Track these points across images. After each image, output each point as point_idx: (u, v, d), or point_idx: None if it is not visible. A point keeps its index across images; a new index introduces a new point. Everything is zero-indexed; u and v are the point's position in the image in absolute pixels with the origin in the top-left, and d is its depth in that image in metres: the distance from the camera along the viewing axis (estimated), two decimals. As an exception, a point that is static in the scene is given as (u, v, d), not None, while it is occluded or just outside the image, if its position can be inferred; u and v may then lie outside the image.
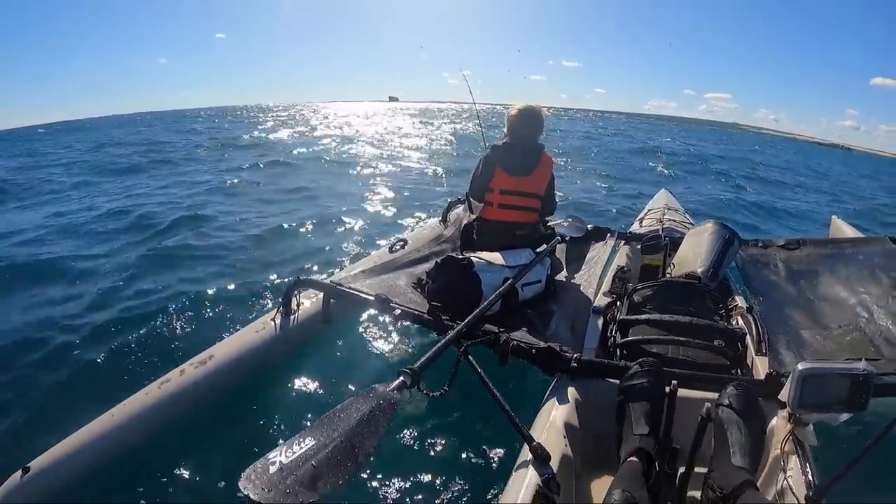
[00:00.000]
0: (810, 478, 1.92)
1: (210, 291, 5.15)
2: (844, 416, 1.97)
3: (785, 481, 1.95)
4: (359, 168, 14.91)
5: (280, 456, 1.51)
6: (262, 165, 14.85)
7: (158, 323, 4.46)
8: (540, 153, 3.96)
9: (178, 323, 4.47)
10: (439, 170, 15.13)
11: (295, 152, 18.48)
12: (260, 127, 31.89)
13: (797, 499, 1.84)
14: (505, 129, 4.04)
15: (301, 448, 1.54)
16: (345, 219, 8.41)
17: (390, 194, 10.77)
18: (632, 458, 1.89)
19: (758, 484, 2.12)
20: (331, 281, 3.40)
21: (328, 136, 25.53)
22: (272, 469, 1.46)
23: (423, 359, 2.21)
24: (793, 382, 1.96)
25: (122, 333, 4.32)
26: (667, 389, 1.95)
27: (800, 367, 1.94)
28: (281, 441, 1.76)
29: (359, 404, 1.80)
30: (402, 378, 2.05)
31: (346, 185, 11.74)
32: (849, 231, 5.95)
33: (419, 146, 22.04)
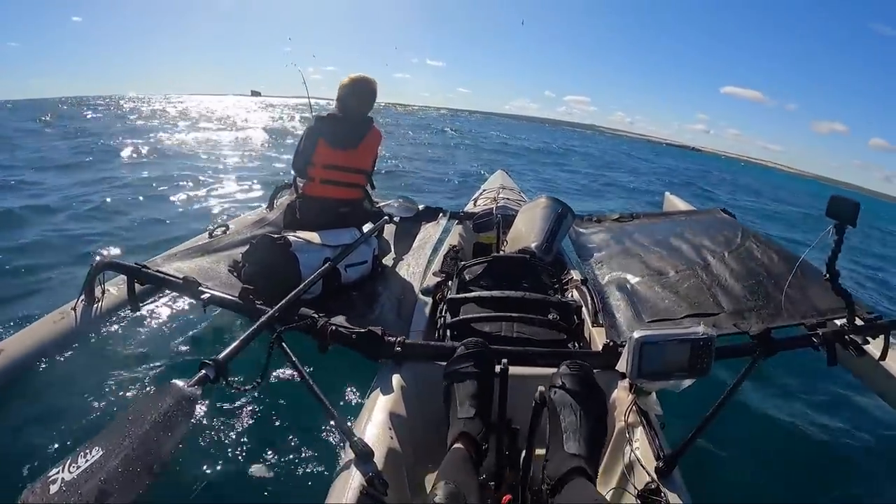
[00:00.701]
0: (658, 448, 1.88)
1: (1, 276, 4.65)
2: (688, 382, 1.95)
3: (633, 454, 1.91)
4: (193, 160, 14.20)
5: (62, 472, 1.30)
6: (98, 154, 13.89)
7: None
8: (369, 125, 3.78)
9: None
10: (277, 162, 14.81)
11: (138, 143, 17.60)
12: (114, 118, 30.40)
13: (647, 471, 1.80)
14: (335, 100, 3.81)
15: (87, 461, 1.33)
16: (173, 207, 8.08)
17: (225, 186, 10.42)
18: (456, 446, 1.78)
19: (604, 458, 2.08)
20: (136, 263, 3.07)
21: (179, 130, 24.65)
22: (53, 488, 1.25)
23: (229, 348, 1.97)
24: (630, 352, 1.90)
25: None
26: (497, 369, 1.83)
27: (636, 335, 1.89)
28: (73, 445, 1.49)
29: (154, 404, 1.57)
30: (203, 372, 1.81)
31: (180, 176, 11.07)
32: (681, 205, 6.20)
33: (263, 140, 21.36)
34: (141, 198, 8.41)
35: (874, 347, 2.71)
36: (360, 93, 3.72)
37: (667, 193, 6.98)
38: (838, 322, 2.68)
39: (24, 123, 21.86)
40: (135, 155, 14.15)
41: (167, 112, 37.26)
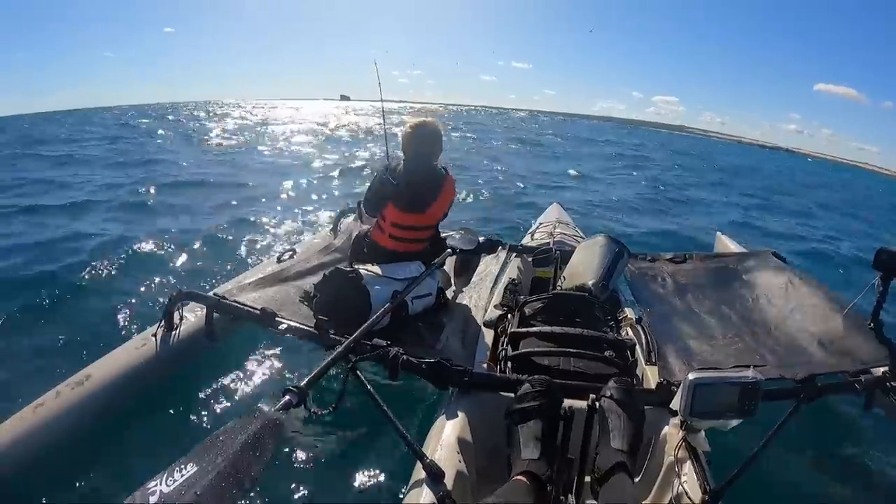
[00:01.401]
0: (705, 482, 1.97)
1: (85, 304, 4.86)
2: (735, 422, 2.03)
3: (680, 486, 2.00)
4: (262, 175, 13.96)
5: (160, 484, 1.41)
6: (162, 171, 14.18)
7: (25, 339, 4.16)
8: (441, 181, 3.74)
9: (50, 339, 4.15)
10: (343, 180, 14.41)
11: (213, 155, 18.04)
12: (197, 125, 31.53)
13: (693, 503, 1.89)
14: (401, 148, 3.77)
15: (182, 475, 1.44)
16: (234, 227, 8.12)
17: (290, 201, 10.51)
18: (518, 477, 1.84)
19: (653, 489, 2.22)
20: (214, 293, 3.23)
21: (254, 137, 25.27)
22: (152, 499, 1.36)
23: (309, 376, 2.12)
24: (684, 392, 1.99)
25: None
26: (563, 408, 1.95)
27: (690, 376, 1.98)
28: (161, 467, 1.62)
29: (243, 427, 1.70)
30: (287, 397, 1.97)
31: (243, 192, 11.22)
32: (732, 246, 6.17)
33: (336, 158, 20.91)
34: (204, 217, 8.63)
35: None
36: (424, 140, 3.69)
37: (718, 234, 6.92)
38: (880, 370, 2.73)
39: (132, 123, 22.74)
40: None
41: (250, 117, 38.40)
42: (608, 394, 2.13)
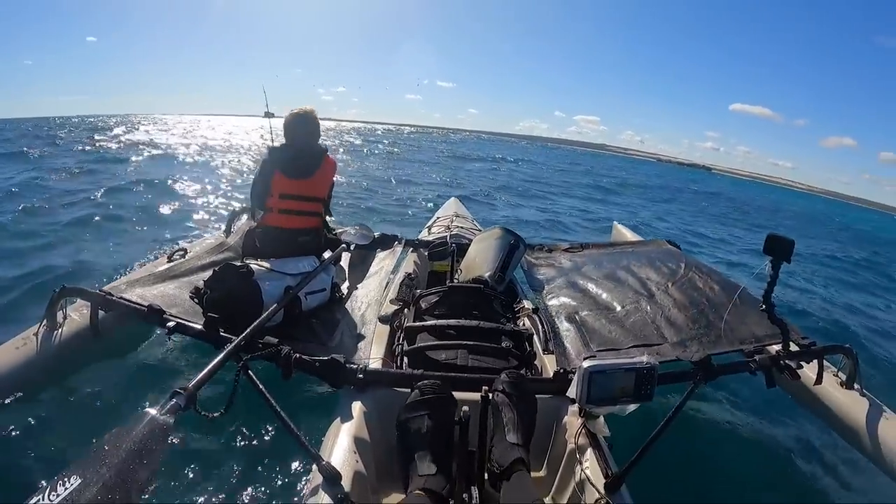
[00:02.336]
0: (607, 467, 2.01)
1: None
2: (632, 407, 2.07)
3: (582, 473, 2.02)
4: (158, 179, 13.34)
5: (43, 499, 1.30)
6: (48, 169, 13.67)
7: None
8: (322, 156, 3.92)
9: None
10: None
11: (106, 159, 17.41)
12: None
13: (596, 489, 1.91)
14: (282, 135, 3.96)
15: (66, 489, 1.33)
16: (123, 226, 7.94)
17: (181, 205, 10.19)
18: (418, 491, 1.81)
19: (556, 479, 2.24)
20: (100, 290, 3.08)
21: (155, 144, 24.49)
22: None
23: (198, 377, 2.02)
24: (579, 380, 2.01)
25: None
26: (460, 413, 1.91)
27: (585, 364, 2.00)
28: (43, 481, 1.52)
29: (128, 433, 1.59)
30: (174, 400, 1.86)
31: (134, 195, 10.89)
32: (629, 234, 6.34)
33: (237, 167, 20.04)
34: (89, 213, 8.36)
35: (810, 371, 2.89)
36: (303, 123, 3.88)
37: (615, 223, 7.13)
38: (774, 349, 2.84)
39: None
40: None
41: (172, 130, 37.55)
42: (500, 387, 2.15)
